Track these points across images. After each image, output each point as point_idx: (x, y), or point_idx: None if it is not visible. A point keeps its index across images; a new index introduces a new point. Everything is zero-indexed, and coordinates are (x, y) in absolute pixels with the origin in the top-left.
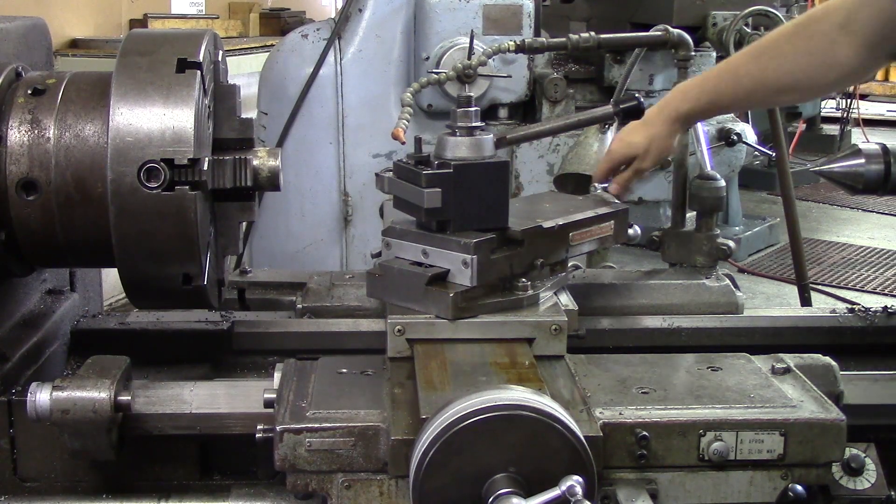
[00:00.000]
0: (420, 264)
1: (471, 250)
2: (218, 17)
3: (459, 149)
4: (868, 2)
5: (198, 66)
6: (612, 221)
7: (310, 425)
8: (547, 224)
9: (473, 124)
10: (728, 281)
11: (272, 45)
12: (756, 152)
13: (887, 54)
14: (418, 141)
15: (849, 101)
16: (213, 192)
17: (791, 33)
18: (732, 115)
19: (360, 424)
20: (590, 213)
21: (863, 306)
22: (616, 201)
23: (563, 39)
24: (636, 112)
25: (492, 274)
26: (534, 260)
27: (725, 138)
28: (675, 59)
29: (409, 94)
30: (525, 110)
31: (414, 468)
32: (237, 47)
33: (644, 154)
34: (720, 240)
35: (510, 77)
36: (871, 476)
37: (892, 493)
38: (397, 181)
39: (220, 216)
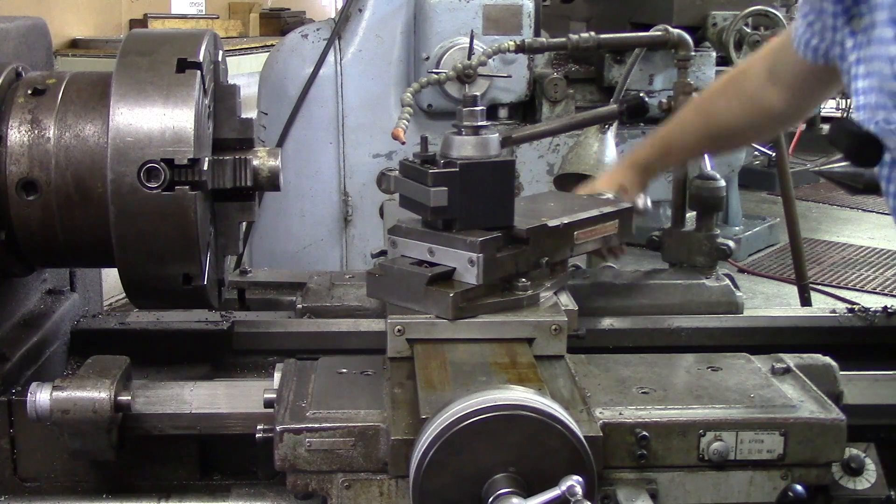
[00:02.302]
0: (422, 263)
1: (477, 248)
2: (218, 17)
3: (465, 148)
4: (784, 51)
5: (198, 66)
6: (616, 220)
7: (310, 425)
8: (552, 223)
9: (479, 123)
10: (728, 281)
11: (272, 45)
12: (756, 152)
13: (811, 97)
14: (424, 140)
15: (848, 101)
16: (213, 192)
17: (724, 88)
18: None
19: (360, 424)
20: (594, 212)
21: (863, 306)
22: (619, 200)
23: (563, 39)
24: (641, 110)
25: (497, 272)
26: (539, 258)
27: None
28: (675, 59)
29: (409, 94)
30: (525, 110)
31: (414, 468)
32: (237, 47)
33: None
34: (720, 240)
35: (510, 77)
36: (871, 476)
37: (892, 493)
38: (403, 180)
39: (220, 216)
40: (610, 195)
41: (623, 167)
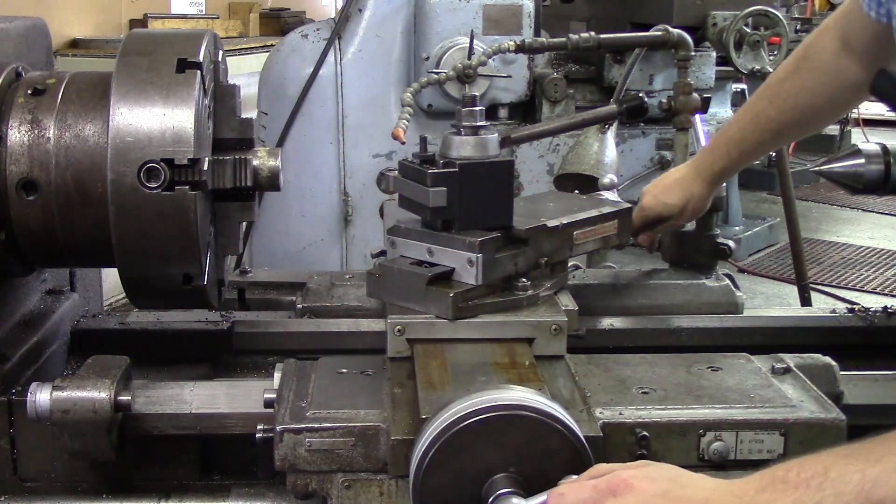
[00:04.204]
0: (422, 263)
1: (476, 249)
2: (218, 17)
3: (464, 148)
4: (855, 21)
5: (198, 66)
6: (616, 221)
7: (310, 425)
8: (551, 223)
9: (478, 123)
10: (728, 281)
11: (272, 45)
12: None
13: (886, 62)
14: (423, 140)
15: None
16: (213, 192)
17: (795, 69)
18: (732, 115)
19: (360, 424)
20: (593, 213)
21: (863, 306)
22: (619, 200)
23: (563, 39)
24: (639, 110)
25: (496, 272)
26: (538, 259)
27: None
28: (675, 59)
29: (409, 94)
30: (525, 110)
31: (414, 468)
32: (237, 47)
33: (680, 214)
34: (720, 240)
35: (510, 77)
36: None
37: None
38: (402, 180)
39: (220, 216)
40: (612, 196)
41: (697, 179)
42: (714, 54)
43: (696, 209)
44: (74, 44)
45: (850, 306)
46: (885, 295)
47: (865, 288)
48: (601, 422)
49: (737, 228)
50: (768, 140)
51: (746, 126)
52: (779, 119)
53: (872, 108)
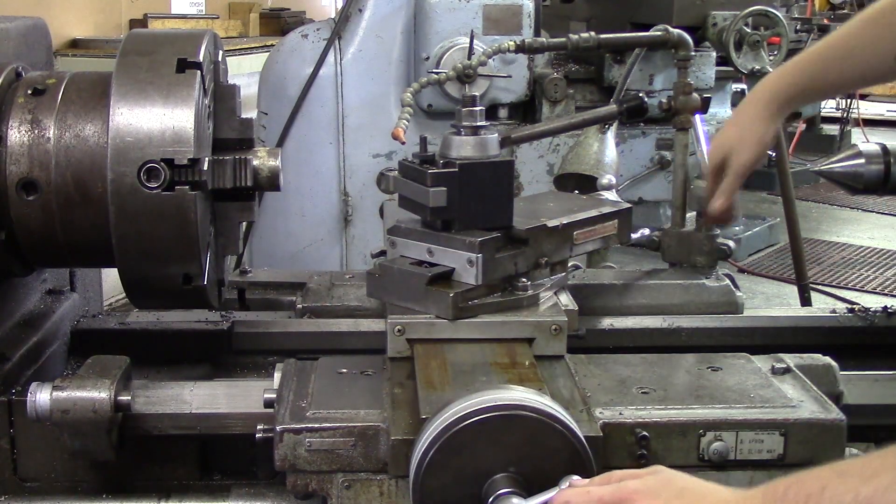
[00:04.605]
0: (422, 263)
1: (476, 249)
2: (218, 17)
3: (464, 148)
4: None
5: (198, 66)
6: (616, 221)
7: (310, 425)
8: (551, 223)
9: (478, 123)
10: (728, 281)
11: (272, 45)
12: None
13: None
14: (423, 140)
15: (849, 101)
16: (213, 192)
17: None
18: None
19: (360, 424)
20: (593, 213)
21: (863, 306)
22: (619, 200)
23: (563, 39)
24: (639, 110)
25: (497, 273)
26: (538, 259)
27: None
28: (675, 59)
29: (409, 94)
30: (525, 110)
31: (414, 468)
32: (237, 47)
33: (738, 147)
34: (720, 240)
35: (510, 77)
36: None
37: None
38: (402, 180)
39: (220, 216)
40: (612, 196)
41: (750, 104)
42: (714, 54)
43: (753, 138)
44: (74, 44)
45: (850, 306)
46: (885, 295)
47: (865, 288)
48: (601, 422)
49: (737, 228)
50: (848, 72)
51: (831, 50)
52: (872, 46)
53: (872, 108)
